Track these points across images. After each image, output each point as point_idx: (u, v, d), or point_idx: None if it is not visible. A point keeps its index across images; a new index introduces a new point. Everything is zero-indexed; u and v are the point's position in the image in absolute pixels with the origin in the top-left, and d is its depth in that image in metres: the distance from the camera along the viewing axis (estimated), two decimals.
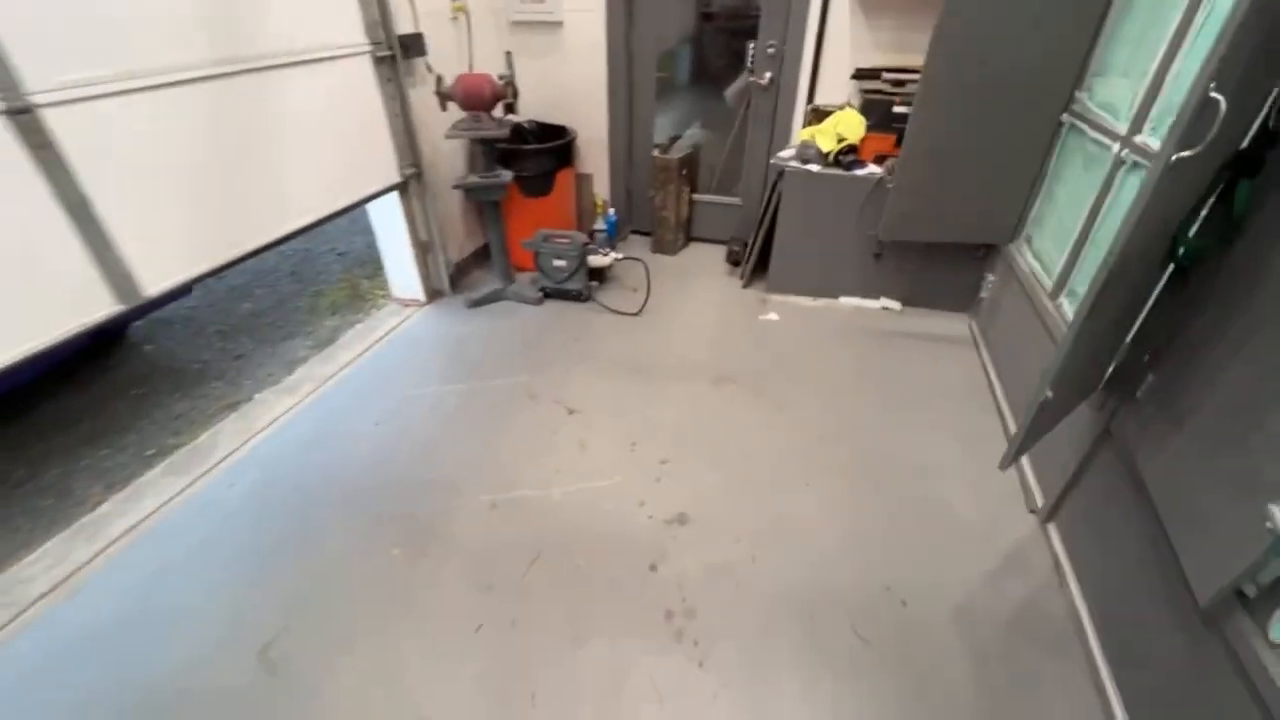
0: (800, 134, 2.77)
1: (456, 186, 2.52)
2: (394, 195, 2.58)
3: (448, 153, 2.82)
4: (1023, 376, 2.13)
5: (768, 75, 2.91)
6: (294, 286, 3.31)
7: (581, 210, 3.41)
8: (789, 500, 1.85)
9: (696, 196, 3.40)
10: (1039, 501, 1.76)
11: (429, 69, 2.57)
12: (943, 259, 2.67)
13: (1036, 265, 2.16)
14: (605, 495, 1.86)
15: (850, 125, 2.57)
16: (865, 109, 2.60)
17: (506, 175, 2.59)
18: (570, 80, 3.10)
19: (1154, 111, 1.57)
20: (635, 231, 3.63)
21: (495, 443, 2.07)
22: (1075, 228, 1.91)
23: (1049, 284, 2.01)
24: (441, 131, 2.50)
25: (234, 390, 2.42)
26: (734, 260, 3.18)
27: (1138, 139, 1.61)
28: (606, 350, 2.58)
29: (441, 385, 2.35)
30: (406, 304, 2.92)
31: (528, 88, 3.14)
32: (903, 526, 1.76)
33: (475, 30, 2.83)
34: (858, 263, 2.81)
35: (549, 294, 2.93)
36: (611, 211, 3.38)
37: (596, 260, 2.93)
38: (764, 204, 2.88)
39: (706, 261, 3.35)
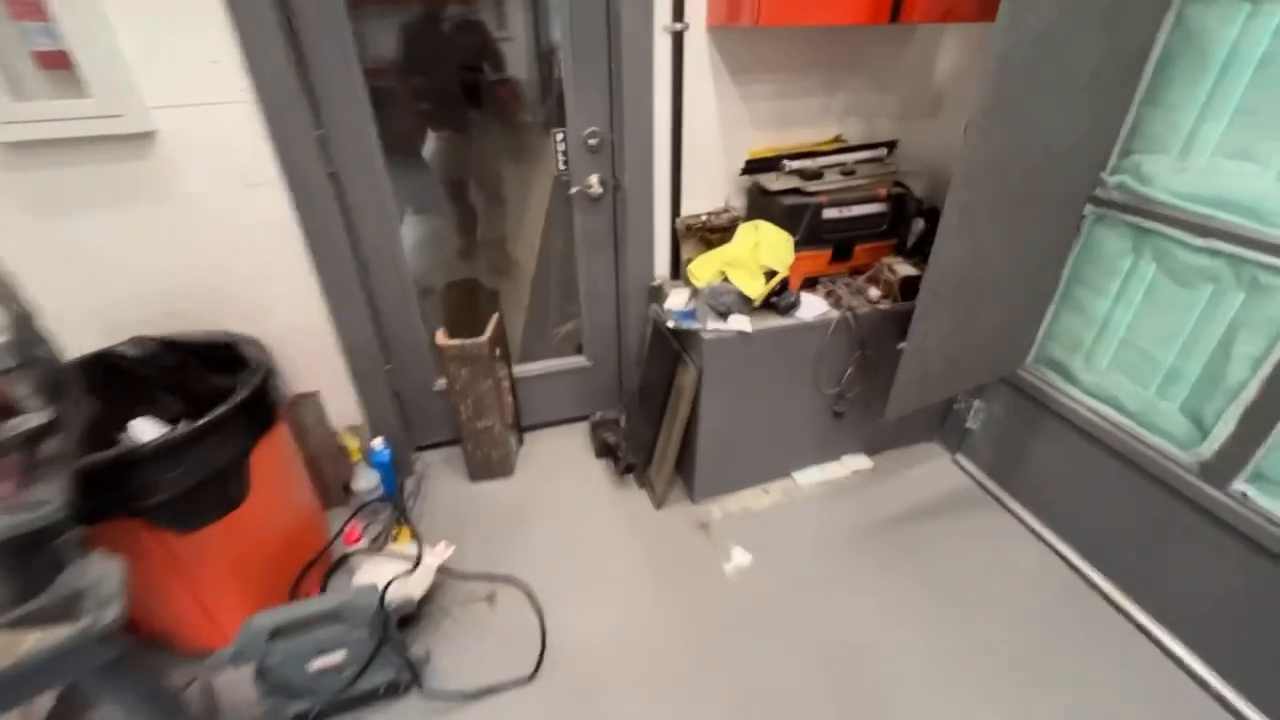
0: (693, 269, 1.72)
1: None
2: None
3: None
4: (1172, 579, 1.46)
5: (595, 179, 1.78)
6: None
7: (315, 464, 1.78)
8: None
9: (518, 371, 2.08)
10: None
11: None
12: None
13: (1115, 414, 1.50)
14: None
15: (776, 249, 1.62)
16: (771, 215, 1.68)
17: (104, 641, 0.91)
18: (213, 244, 1.48)
19: None
20: (425, 447, 2.13)
21: None
22: (1211, 373, 1.28)
23: (1182, 455, 1.36)
24: None
25: None
26: (625, 465, 1.97)
27: None
28: None
29: None
30: None
31: (99, 281, 1.42)
32: None
33: None
34: (812, 426, 1.91)
35: (320, 716, 1.31)
36: (378, 444, 1.84)
37: (408, 596, 1.42)
38: (665, 388, 1.76)
39: (569, 468, 2.07)
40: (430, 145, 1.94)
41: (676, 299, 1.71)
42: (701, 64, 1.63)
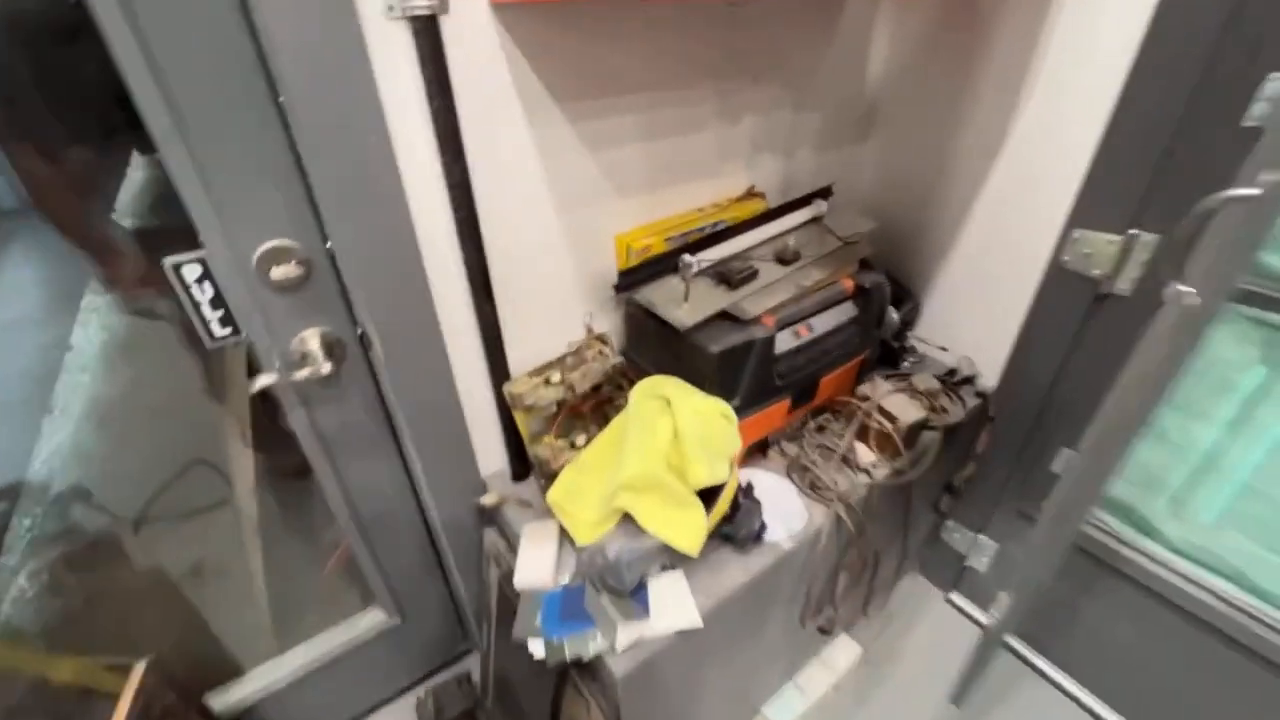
0: (559, 503, 0.86)
1: None
2: None
3: None
4: None
5: (312, 343, 0.83)
6: None
7: None
8: None
9: (266, 683, 1.07)
10: None
11: None
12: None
13: (1234, 590, 0.99)
14: None
15: (713, 438, 0.83)
16: (690, 367, 0.90)
17: None
18: None
19: None
20: None
21: None
22: None
23: None
24: None
25: None
26: None
27: None
28: None
29: None
30: None
31: None
32: None
33: None
34: (787, 650, 1.21)
35: None
36: None
37: None
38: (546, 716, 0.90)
39: None
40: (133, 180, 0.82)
41: (535, 566, 0.85)
42: (496, 86, 0.76)
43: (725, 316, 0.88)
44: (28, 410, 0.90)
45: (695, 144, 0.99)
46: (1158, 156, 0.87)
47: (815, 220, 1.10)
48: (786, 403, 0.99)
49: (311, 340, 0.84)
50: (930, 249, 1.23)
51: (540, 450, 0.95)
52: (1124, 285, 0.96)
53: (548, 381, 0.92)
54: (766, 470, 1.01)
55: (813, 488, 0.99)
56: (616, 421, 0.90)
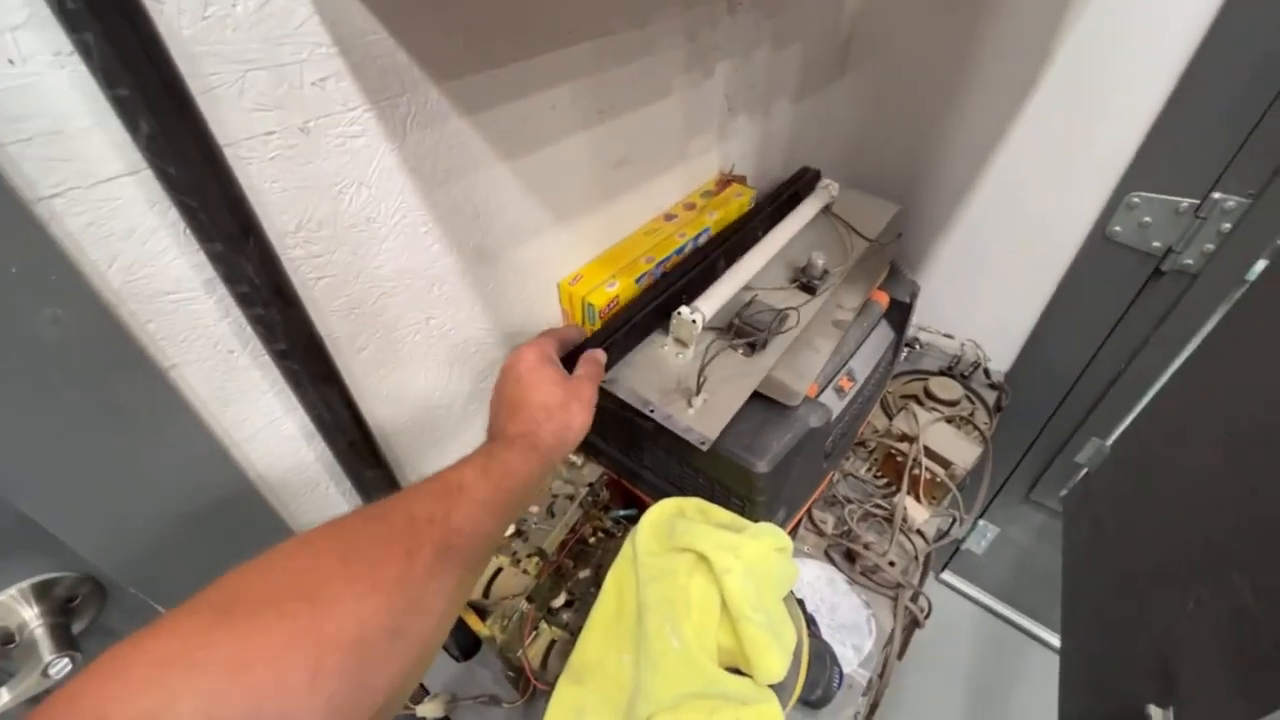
0: None
1: None
2: None
3: None
4: None
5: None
6: None
7: None
8: None
9: None
10: None
11: None
12: None
13: None
14: None
15: (772, 584, 0.55)
16: (720, 486, 0.59)
17: None
18: None
19: None
20: None
21: None
22: None
23: None
24: None
25: None
26: None
27: None
28: None
29: None
30: None
31: None
32: None
33: None
34: None
35: None
36: None
37: None
38: None
39: None
40: None
41: None
42: (298, 66, 0.35)
43: (768, 406, 0.57)
44: None
45: (658, 117, 0.63)
46: (1270, 96, 0.66)
47: (825, 210, 0.80)
48: (830, 476, 0.73)
49: (16, 608, 0.42)
50: (928, 219, 0.99)
51: (498, 631, 0.61)
52: (1191, 259, 0.78)
53: (517, 561, 0.58)
54: (803, 559, 0.77)
55: (869, 575, 0.76)
56: (615, 581, 0.58)
